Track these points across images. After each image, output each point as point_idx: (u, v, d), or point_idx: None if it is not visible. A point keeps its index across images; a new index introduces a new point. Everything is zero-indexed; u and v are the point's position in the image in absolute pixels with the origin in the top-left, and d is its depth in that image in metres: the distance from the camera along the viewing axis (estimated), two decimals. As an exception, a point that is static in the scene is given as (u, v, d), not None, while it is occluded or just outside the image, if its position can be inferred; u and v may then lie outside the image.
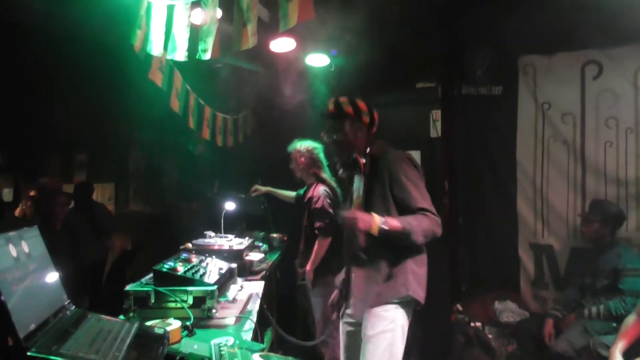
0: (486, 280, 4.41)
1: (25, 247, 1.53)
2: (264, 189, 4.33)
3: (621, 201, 3.89)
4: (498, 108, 4.44)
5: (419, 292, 2.39)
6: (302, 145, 3.87)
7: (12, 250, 1.44)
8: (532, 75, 4.30)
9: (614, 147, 3.98)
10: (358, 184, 2.56)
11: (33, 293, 1.47)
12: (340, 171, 2.63)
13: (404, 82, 4.47)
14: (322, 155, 3.88)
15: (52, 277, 1.66)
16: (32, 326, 1.37)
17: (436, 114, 4.38)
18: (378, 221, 2.22)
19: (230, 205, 3.89)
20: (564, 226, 4.18)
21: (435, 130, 4.37)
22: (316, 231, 3.61)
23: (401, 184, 2.33)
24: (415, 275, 2.38)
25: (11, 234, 1.48)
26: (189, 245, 3.36)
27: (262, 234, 4.51)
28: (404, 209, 2.32)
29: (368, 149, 2.49)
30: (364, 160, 2.48)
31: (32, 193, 3.95)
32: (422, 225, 2.24)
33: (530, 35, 4.14)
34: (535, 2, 3.95)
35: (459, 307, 4.24)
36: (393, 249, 2.35)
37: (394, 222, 2.23)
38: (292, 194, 4.24)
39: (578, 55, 4.09)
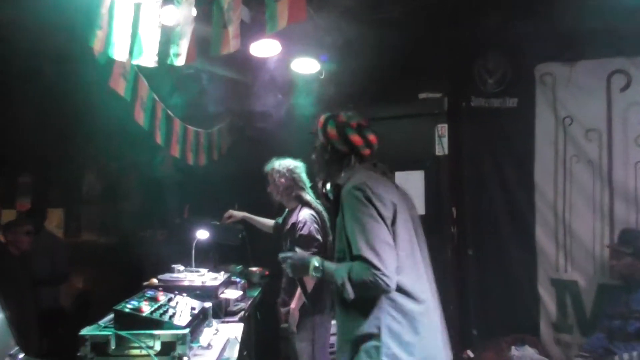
0: (501, 323, 4.43)
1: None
2: (239, 214, 4.32)
3: (655, 230, 3.94)
4: (513, 122, 4.52)
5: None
6: (281, 164, 3.88)
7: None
8: (551, 86, 4.40)
9: (646, 168, 4.06)
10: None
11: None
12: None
13: (405, 92, 4.55)
14: (304, 175, 3.89)
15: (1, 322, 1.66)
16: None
17: (442, 129, 4.47)
18: (312, 267, 2.34)
19: (202, 234, 3.86)
20: (590, 259, 4.22)
21: (441, 147, 4.45)
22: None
23: (346, 224, 2.27)
24: (395, 336, 2.19)
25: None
26: (155, 281, 3.33)
27: (239, 267, 4.48)
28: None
29: (342, 176, 2.46)
30: (324, 189, 2.58)
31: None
32: (355, 277, 2.15)
33: (549, 41, 4.25)
34: (555, 5, 4.04)
35: (470, 353, 4.25)
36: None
37: (329, 270, 2.30)
38: (271, 222, 4.24)
39: (603, 64, 4.19)
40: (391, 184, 2.47)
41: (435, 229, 4.18)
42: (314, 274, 2.31)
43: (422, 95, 4.54)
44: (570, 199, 4.34)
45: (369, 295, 2.18)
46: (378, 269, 2.10)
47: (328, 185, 2.55)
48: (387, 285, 2.11)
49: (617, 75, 4.16)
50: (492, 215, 4.58)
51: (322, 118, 2.56)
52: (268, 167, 3.92)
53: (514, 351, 4.23)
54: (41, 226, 4.77)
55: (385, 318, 2.19)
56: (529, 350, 4.21)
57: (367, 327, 2.20)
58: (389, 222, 2.23)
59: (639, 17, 3.58)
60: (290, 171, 3.84)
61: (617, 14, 3.63)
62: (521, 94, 4.51)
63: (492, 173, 4.58)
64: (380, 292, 2.16)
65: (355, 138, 2.47)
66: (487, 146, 4.60)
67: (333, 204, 2.46)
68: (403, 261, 2.23)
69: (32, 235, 4.29)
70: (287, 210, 3.98)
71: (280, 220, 4.05)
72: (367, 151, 2.50)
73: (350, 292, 2.16)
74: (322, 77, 4.62)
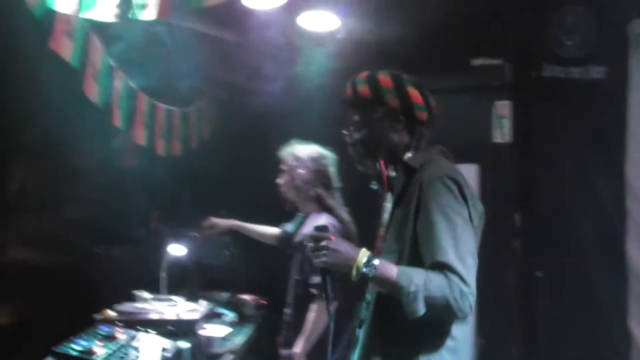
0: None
1: None
2: (225, 223, 4.28)
3: None
4: (599, 99, 4.49)
5: None
6: (304, 149, 3.85)
7: None
8: (652, 50, 4.37)
9: None
10: (388, 206, 2.58)
11: None
12: (374, 186, 2.62)
13: (453, 58, 4.55)
14: (332, 170, 3.88)
15: None
16: None
17: (503, 108, 4.45)
18: (362, 260, 2.17)
19: (176, 250, 3.87)
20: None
21: (502, 132, 4.44)
22: (313, 290, 3.56)
23: (427, 218, 2.25)
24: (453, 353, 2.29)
25: None
26: (110, 313, 3.38)
27: (226, 295, 4.49)
28: (423, 256, 2.25)
29: (407, 156, 2.48)
30: (393, 173, 2.47)
31: None
32: (435, 290, 2.11)
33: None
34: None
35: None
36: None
37: (388, 272, 2.16)
38: (275, 230, 4.22)
39: None
40: None
41: (493, 243, 4.12)
42: (364, 270, 2.15)
43: (476, 62, 4.55)
44: (675, 203, 4.31)
45: (439, 316, 2.17)
46: (468, 287, 2.10)
47: (390, 170, 2.50)
48: (471, 308, 2.12)
49: None
50: (570, 224, 4.55)
51: (388, 75, 2.53)
52: (284, 151, 3.89)
53: (597, 409, 4.20)
54: None
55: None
56: (617, 409, 4.18)
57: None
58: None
59: None
60: (315, 161, 3.82)
61: None
62: (610, 60, 4.48)
63: (571, 168, 4.56)
64: (457, 317, 2.15)
65: (434, 105, 2.57)
66: (564, 131, 4.57)
67: (399, 187, 2.43)
68: None
69: None
70: (298, 217, 3.95)
71: (290, 228, 3.99)
72: (425, 120, 2.56)
73: (420, 307, 2.09)
74: (340, 37, 4.58)
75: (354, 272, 2.15)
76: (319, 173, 3.81)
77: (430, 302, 2.09)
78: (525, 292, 4.52)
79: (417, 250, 2.25)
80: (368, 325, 2.40)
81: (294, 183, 3.80)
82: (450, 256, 2.13)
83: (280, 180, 3.87)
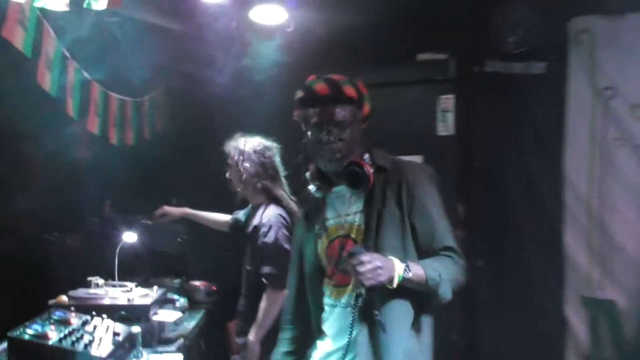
0: (518, 352, 4.50)
1: None
2: (177, 211, 4.29)
3: None
4: (539, 94, 4.54)
5: None
6: (247, 142, 3.84)
7: None
8: (589, 47, 4.43)
9: None
10: (342, 208, 2.61)
11: None
12: (314, 187, 2.65)
13: (399, 52, 4.60)
14: (277, 161, 3.88)
15: None
16: None
17: (446, 101, 4.53)
18: (399, 269, 2.26)
19: (129, 238, 3.86)
20: (634, 273, 4.27)
21: (445, 125, 4.52)
22: (264, 279, 3.61)
23: (425, 210, 2.44)
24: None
25: None
26: (64, 298, 3.34)
27: (178, 281, 4.49)
28: (425, 246, 2.44)
29: (366, 157, 2.52)
30: (372, 170, 2.49)
31: None
32: (451, 274, 2.36)
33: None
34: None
35: (477, 392, 4.32)
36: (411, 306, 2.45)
37: (417, 270, 2.30)
38: (226, 217, 4.22)
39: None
40: None
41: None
42: (405, 275, 2.26)
43: (421, 57, 4.60)
44: (611, 195, 4.38)
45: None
46: (463, 261, 2.45)
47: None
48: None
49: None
50: (509, 214, 4.63)
51: (360, 82, 2.57)
52: (229, 146, 3.87)
53: (534, 390, 4.30)
54: None
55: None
56: (553, 390, 4.28)
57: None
58: None
59: None
60: (259, 153, 3.80)
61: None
62: (551, 56, 4.56)
63: (511, 160, 4.63)
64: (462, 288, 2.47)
65: None
66: (505, 125, 4.64)
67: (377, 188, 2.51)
68: None
69: None
70: (250, 206, 3.96)
71: (242, 216, 4.02)
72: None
73: (449, 291, 2.34)
74: (290, 29, 4.60)
75: (397, 280, 2.24)
76: (264, 165, 3.80)
77: (453, 286, 2.35)
78: (467, 279, 4.57)
79: (416, 242, 2.44)
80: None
81: (241, 177, 3.78)
82: (451, 240, 2.45)
83: (228, 175, 3.88)
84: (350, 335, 2.39)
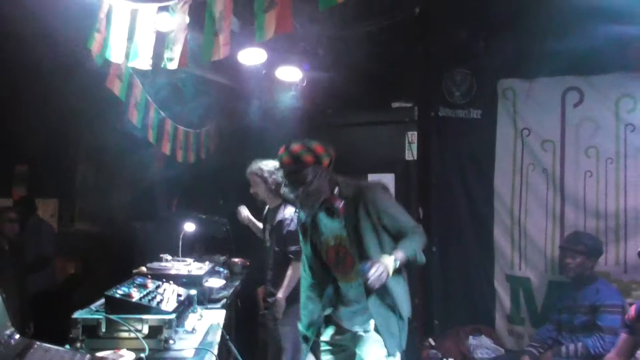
0: (460, 314, 4.48)
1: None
2: (245, 216, 4.11)
3: (600, 234, 4.02)
4: (476, 132, 4.56)
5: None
6: (268, 164, 3.76)
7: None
8: (512, 100, 4.45)
9: (594, 177, 4.12)
10: (328, 224, 2.62)
11: (-25, 319, 1.43)
12: (304, 216, 2.68)
13: (380, 101, 4.57)
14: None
15: (-4, 303, 1.63)
16: (-26, 356, 1.33)
17: (412, 136, 4.49)
18: (391, 262, 2.32)
19: (189, 227, 3.84)
20: (542, 258, 4.29)
21: (411, 152, 4.48)
22: (290, 255, 3.60)
23: (388, 213, 2.49)
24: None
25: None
26: (144, 269, 3.32)
27: (223, 258, 4.47)
28: (397, 233, 2.49)
29: (336, 191, 2.55)
30: (341, 203, 2.54)
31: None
32: (419, 243, 2.48)
33: (510, 58, 4.31)
34: (516, 26, 4.11)
35: (431, 341, 4.29)
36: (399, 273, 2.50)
37: (400, 255, 2.38)
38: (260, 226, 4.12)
39: (559, 81, 4.24)
40: None
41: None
42: (395, 264, 2.34)
43: (394, 105, 4.56)
44: (526, 203, 4.39)
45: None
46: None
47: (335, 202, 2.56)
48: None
49: (571, 92, 4.22)
50: (455, 216, 4.61)
51: (318, 146, 2.49)
52: (253, 168, 3.79)
53: (472, 340, 4.28)
54: (30, 213, 4.68)
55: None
56: (485, 340, 4.26)
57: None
58: None
59: (592, 40, 3.65)
60: (275, 172, 3.70)
61: (572, 36, 3.71)
62: (484, 106, 4.55)
63: (456, 177, 4.61)
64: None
65: (332, 152, 2.56)
66: (452, 153, 4.63)
67: (349, 211, 2.51)
68: None
69: (17, 222, 4.18)
70: (267, 208, 3.91)
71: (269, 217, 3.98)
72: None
73: (422, 256, 2.49)
74: (304, 84, 4.62)
75: (392, 270, 2.31)
76: (279, 181, 3.66)
77: (422, 248, 2.48)
78: (425, 261, 4.57)
79: (390, 235, 2.49)
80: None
81: (265, 188, 3.73)
82: (410, 221, 2.56)
83: (252, 189, 3.79)
84: (367, 299, 2.46)
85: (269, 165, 3.74)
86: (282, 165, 2.54)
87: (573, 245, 3.76)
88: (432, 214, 4.61)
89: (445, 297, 4.60)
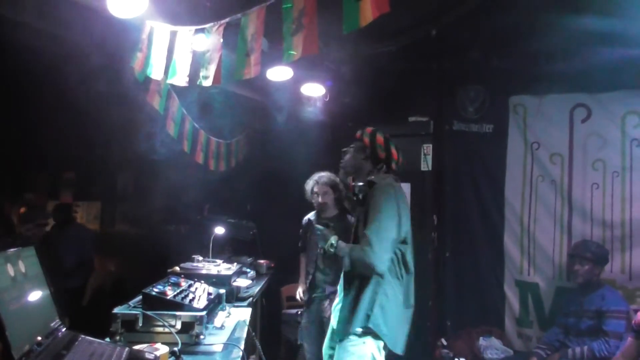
0: (471, 316, 4.43)
1: (21, 266, 1.55)
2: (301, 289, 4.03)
3: (606, 242, 3.97)
4: (488, 145, 4.53)
5: (382, 328, 2.45)
6: (330, 177, 3.70)
7: (10, 270, 1.45)
8: (522, 115, 4.41)
9: (601, 189, 4.08)
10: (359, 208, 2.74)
11: (28, 313, 1.48)
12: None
13: (397, 115, 4.55)
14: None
15: (46, 298, 1.67)
16: (27, 347, 1.37)
17: (427, 148, 4.48)
18: (331, 239, 2.54)
19: (219, 230, 3.87)
20: (550, 265, 4.24)
21: (426, 163, 4.47)
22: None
23: (370, 209, 2.48)
24: (382, 309, 2.47)
25: (9, 253, 1.49)
26: (177, 268, 3.34)
27: (249, 259, 4.48)
28: (360, 236, 2.51)
29: (371, 178, 2.63)
30: (359, 184, 2.69)
31: (21, 210, 3.93)
32: (354, 254, 2.46)
33: (522, 76, 4.28)
34: (527, 45, 4.09)
35: (444, 341, 4.25)
36: (362, 276, 2.49)
37: (341, 244, 2.52)
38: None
39: (568, 98, 4.21)
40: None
41: (419, 234, 4.16)
42: (332, 241, 2.53)
43: (411, 119, 4.55)
44: (535, 212, 4.34)
45: (364, 269, 2.44)
46: (373, 250, 2.38)
47: (359, 182, 2.67)
48: (375, 263, 2.38)
49: (579, 108, 4.19)
50: (467, 223, 4.57)
51: (370, 129, 2.77)
52: (324, 179, 3.71)
53: (482, 341, 4.23)
54: (69, 220, 4.76)
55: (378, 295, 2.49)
56: (494, 341, 4.21)
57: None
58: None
59: (599, 59, 3.62)
60: (340, 182, 3.69)
61: (580, 55, 3.68)
62: (496, 121, 4.52)
63: (469, 187, 4.58)
64: (372, 269, 2.40)
65: (394, 151, 2.73)
66: (465, 164, 4.60)
67: (362, 198, 2.62)
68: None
69: (42, 228, 4.22)
70: (319, 216, 3.79)
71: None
72: (394, 165, 2.74)
73: (347, 265, 2.47)
74: (327, 99, 4.63)
75: (325, 244, 2.55)
76: (341, 191, 3.73)
77: (354, 261, 2.47)
78: (438, 265, 4.53)
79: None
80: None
81: (336, 198, 3.69)
82: (370, 233, 2.41)
83: (320, 199, 3.72)
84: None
85: (332, 176, 3.74)
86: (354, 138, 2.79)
87: (581, 252, 3.72)
88: (445, 221, 4.58)
89: (458, 299, 4.54)
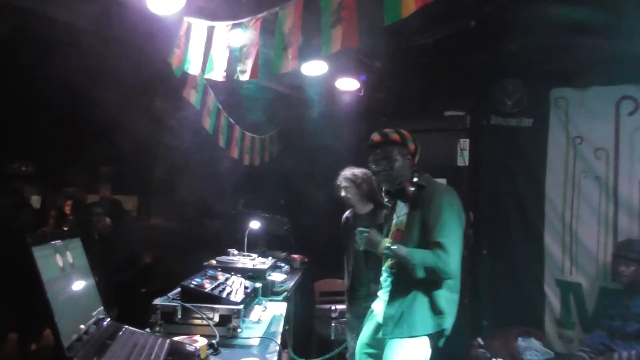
0: (509, 316, 4.34)
1: (69, 257, 1.60)
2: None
3: (654, 242, 3.82)
4: (527, 140, 4.42)
5: (451, 321, 2.49)
6: (359, 172, 3.63)
7: (59, 260, 1.50)
8: (564, 109, 4.29)
9: (649, 185, 3.93)
10: (401, 210, 2.65)
11: (75, 303, 1.52)
12: (386, 199, 2.74)
13: (433, 109, 4.53)
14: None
15: (92, 288, 1.72)
16: (74, 336, 1.42)
17: (464, 143, 4.43)
18: (383, 243, 2.46)
19: (254, 224, 3.90)
20: (594, 264, 4.11)
21: (463, 159, 4.42)
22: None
23: (434, 213, 2.41)
24: (449, 303, 2.48)
25: (58, 244, 1.54)
26: (213, 262, 3.40)
27: (284, 254, 4.52)
28: (426, 242, 2.40)
29: (415, 179, 2.56)
30: (412, 189, 2.54)
31: (67, 203, 4.04)
32: (430, 261, 2.34)
33: (563, 68, 4.16)
34: (568, 35, 3.96)
35: (480, 341, 4.19)
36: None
37: (399, 249, 2.41)
38: None
39: (613, 90, 4.07)
40: None
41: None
42: (388, 245, 2.44)
43: (447, 113, 4.51)
44: (578, 210, 4.22)
45: (434, 275, 2.36)
46: (451, 257, 2.33)
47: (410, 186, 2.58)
48: (449, 270, 2.35)
49: (626, 101, 4.04)
50: (505, 220, 4.47)
51: (405, 132, 2.67)
52: (347, 174, 3.66)
53: (521, 342, 4.14)
54: (122, 212, 4.84)
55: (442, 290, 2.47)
56: (534, 342, 4.12)
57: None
58: None
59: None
60: (372, 177, 3.60)
61: (627, 44, 3.54)
62: (536, 115, 4.41)
63: (507, 184, 4.48)
64: (444, 275, 2.36)
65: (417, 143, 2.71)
66: (503, 160, 4.50)
67: (415, 198, 2.52)
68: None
69: (104, 217, 4.31)
70: (355, 214, 3.75)
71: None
72: (416, 159, 2.72)
73: (418, 272, 2.35)
74: (361, 94, 4.61)
75: (379, 249, 2.47)
76: (372, 184, 3.65)
77: (425, 269, 2.34)
78: (475, 263, 4.46)
79: (424, 236, 2.42)
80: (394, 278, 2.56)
81: (359, 193, 3.63)
82: (443, 238, 2.34)
83: (343, 193, 3.65)
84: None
85: (362, 171, 3.67)
86: (372, 144, 2.65)
87: (626, 252, 3.61)
88: (482, 218, 4.50)
89: (495, 298, 4.46)
